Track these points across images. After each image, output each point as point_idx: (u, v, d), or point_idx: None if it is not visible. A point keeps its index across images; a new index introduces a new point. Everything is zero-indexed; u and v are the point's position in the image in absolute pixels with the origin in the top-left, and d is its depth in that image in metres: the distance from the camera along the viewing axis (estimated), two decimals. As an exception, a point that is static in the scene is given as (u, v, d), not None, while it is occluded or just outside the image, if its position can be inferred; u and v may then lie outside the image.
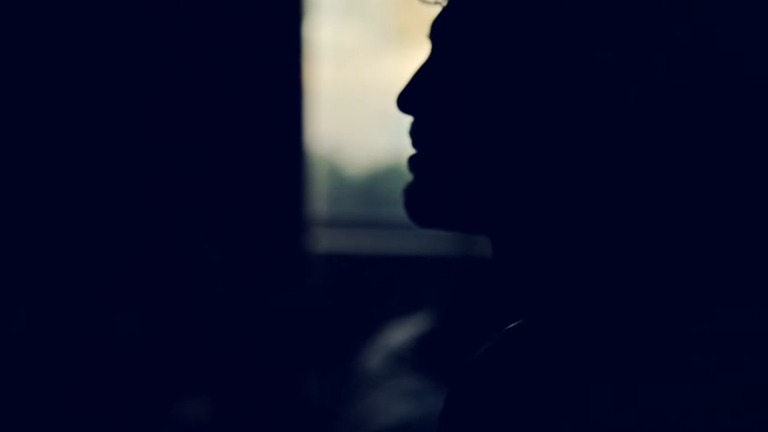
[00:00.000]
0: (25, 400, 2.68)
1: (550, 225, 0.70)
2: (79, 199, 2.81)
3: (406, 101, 0.75)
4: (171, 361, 2.79)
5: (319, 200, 3.28)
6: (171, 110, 2.90)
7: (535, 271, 0.72)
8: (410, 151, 0.76)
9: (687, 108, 0.65)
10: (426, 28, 0.77)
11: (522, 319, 0.70)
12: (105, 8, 2.83)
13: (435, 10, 0.77)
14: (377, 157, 3.61)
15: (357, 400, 2.37)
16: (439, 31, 0.75)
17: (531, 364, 0.64)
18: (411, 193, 0.75)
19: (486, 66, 0.70)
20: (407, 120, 0.77)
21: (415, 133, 0.75)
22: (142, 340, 2.78)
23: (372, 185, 3.74)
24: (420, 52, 0.78)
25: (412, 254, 3.08)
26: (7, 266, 2.74)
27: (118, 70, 2.84)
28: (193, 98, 2.91)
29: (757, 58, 0.65)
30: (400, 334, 2.47)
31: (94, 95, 2.81)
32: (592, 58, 0.66)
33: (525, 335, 0.67)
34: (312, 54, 3.02)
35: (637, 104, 0.66)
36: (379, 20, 3.27)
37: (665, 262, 0.67)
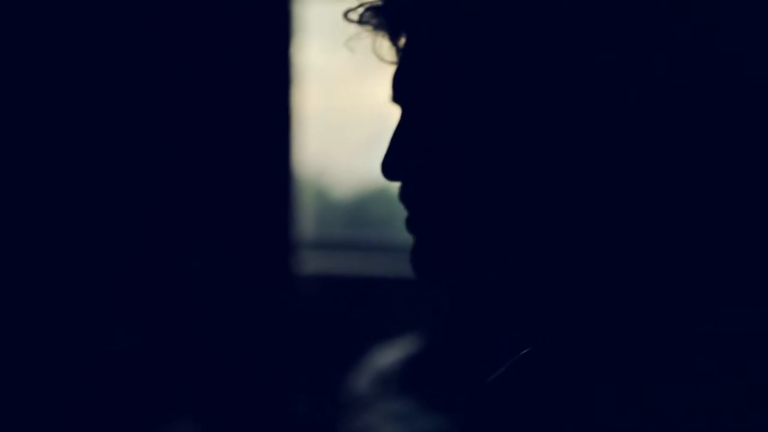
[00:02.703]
0: (10, 416, 2.67)
1: (557, 245, 0.69)
2: (62, 221, 2.81)
3: (389, 170, 0.74)
4: (159, 381, 2.79)
5: (307, 222, 3.28)
6: (159, 132, 2.90)
7: (544, 293, 0.72)
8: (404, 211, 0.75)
9: (687, 108, 0.65)
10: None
11: (518, 337, 0.71)
12: (85, 28, 2.83)
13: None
14: (364, 179, 3.61)
15: (345, 422, 2.36)
16: (400, 92, 0.75)
17: (551, 390, 0.65)
18: (416, 256, 0.74)
19: (462, 116, 0.69)
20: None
21: (404, 197, 0.74)
22: (131, 361, 2.77)
23: (359, 207, 3.74)
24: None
25: (399, 276, 3.08)
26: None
27: (106, 88, 2.84)
28: (181, 119, 2.91)
29: (757, 58, 0.65)
30: (388, 356, 2.47)
31: (76, 123, 2.81)
32: (590, 63, 0.66)
33: (543, 361, 0.68)
34: (299, 77, 3.03)
35: (637, 107, 0.65)
36: (367, 44, 3.27)
37: (669, 264, 0.67)
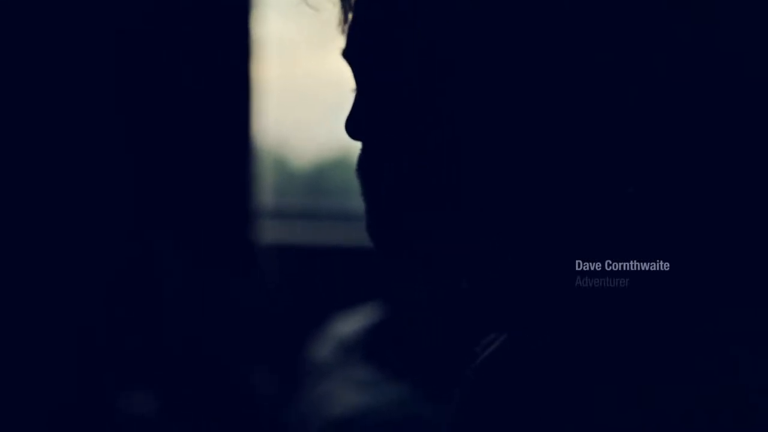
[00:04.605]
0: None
1: (556, 245, 0.68)
2: (27, 196, 2.79)
3: (353, 128, 0.72)
4: (118, 353, 2.78)
5: (266, 192, 3.28)
6: (117, 103, 2.89)
7: (542, 293, 0.70)
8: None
9: (687, 109, 0.65)
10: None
11: (516, 338, 0.70)
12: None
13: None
14: (324, 148, 3.61)
15: (307, 390, 2.38)
16: (354, 51, 0.73)
17: (548, 390, 0.65)
18: (374, 230, 0.72)
19: (455, 109, 0.67)
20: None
21: (367, 163, 0.72)
22: (87, 332, 2.77)
23: (318, 177, 3.75)
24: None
25: (360, 245, 3.08)
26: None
27: (60, 65, 2.82)
28: (140, 90, 2.90)
29: (757, 58, 0.64)
30: (350, 324, 2.49)
31: (32, 98, 2.79)
32: (589, 63, 0.65)
33: (537, 361, 0.67)
34: (259, 47, 3.02)
35: (636, 108, 0.65)
36: (327, 14, 3.26)
37: (668, 264, 0.66)
